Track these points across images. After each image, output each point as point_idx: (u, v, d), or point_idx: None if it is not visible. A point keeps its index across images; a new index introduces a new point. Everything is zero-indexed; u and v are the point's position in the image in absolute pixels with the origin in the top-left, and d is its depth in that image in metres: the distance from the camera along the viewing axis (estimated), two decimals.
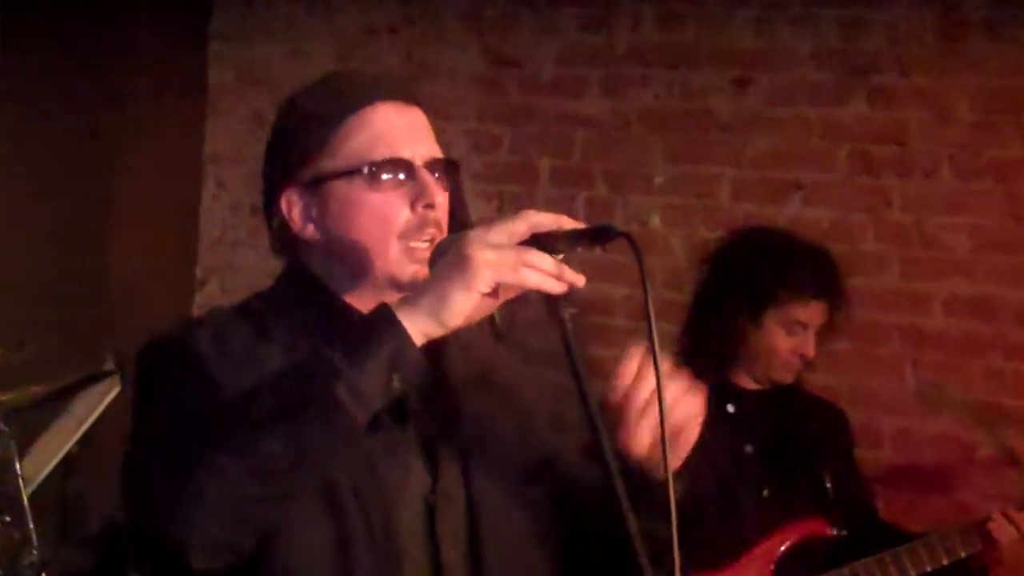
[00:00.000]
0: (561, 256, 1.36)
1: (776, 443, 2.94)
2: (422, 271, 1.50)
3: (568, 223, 1.37)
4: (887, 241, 3.87)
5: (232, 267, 4.64)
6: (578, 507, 1.52)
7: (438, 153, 1.57)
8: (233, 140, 4.64)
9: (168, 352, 1.51)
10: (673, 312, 2.96)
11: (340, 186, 1.53)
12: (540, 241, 1.36)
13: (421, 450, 1.48)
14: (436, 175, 1.56)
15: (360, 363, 1.34)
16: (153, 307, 4.31)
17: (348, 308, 1.55)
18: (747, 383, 2.97)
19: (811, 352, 2.89)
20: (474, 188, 4.24)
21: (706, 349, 2.92)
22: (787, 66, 4.08)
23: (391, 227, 1.52)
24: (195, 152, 4.68)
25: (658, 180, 4.21)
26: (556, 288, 1.35)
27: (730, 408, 2.94)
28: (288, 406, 1.33)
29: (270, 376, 1.37)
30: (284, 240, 1.59)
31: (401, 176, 1.53)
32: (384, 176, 1.52)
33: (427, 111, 1.60)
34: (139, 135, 4.38)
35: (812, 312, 2.87)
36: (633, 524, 1.30)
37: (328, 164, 1.55)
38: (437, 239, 1.51)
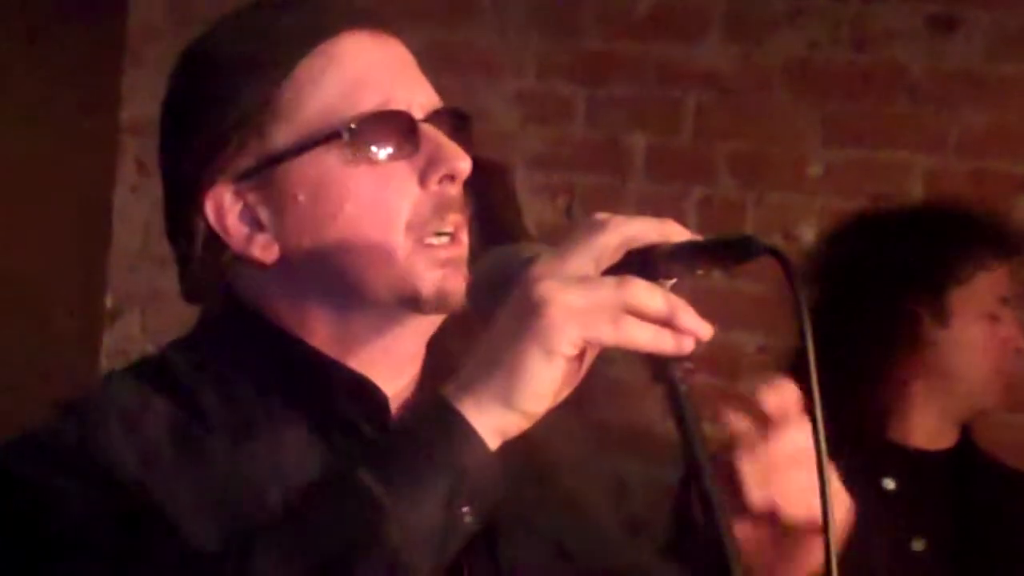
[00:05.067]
0: (671, 283, 1.35)
1: (959, 534, 2.89)
2: (452, 279, 1.49)
3: (678, 232, 1.36)
4: None
5: (159, 294, 4.47)
6: None
7: (438, 101, 1.56)
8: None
9: (65, 462, 1.45)
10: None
11: (305, 165, 1.50)
12: (639, 262, 1.34)
13: None
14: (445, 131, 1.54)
15: (416, 493, 1.32)
16: (40, 353, 4.25)
17: (334, 368, 1.53)
18: (917, 440, 2.92)
19: None
20: (531, 179, 4.14)
21: (854, 390, 2.88)
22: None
23: (395, 215, 1.49)
24: (106, 120, 4.63)
25: (814, 171, 4.15)
26: (673, 348, 1.33)
27: (889, 483, 2.88)
28: (313, 568, 1.32)
29: (270, 520, 1.37)
30: (211, 269, 1.55)
31: (402, 133, 1.50)
32: (374, 139, 1.49)
33: (408, 47, 1.59)
34: (17, 94, 4.36)
35: (1003, 280, 2.96)
36: None
37: (279, 136, 1.51)
38: (460, 229, 1.51)
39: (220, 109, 1.53)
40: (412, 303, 1.51)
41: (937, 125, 4.03)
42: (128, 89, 4.60)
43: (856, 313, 2.95)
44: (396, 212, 1.50)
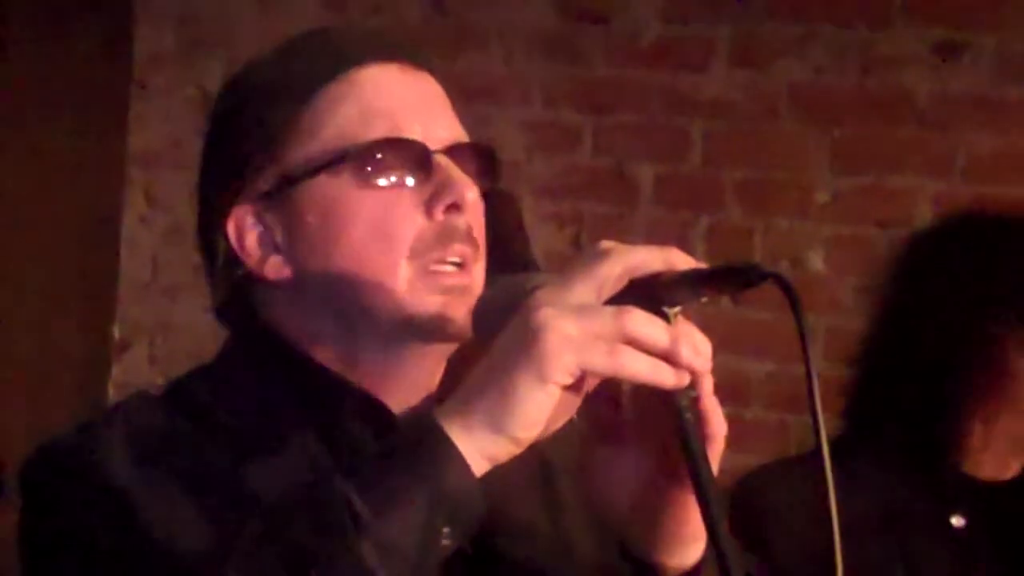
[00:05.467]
0: (677, 311, 1.34)
1: None
2: (452, 306, 1.49)
3: (682, 260, 1.36)
4: None
5: (168, 325, 4.58)
6: None
7: (462, 136, 1.56)
8: (170, 133, 4.56)
9: (69, 470, 1.48)
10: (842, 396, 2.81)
11: (317, 187, 1.52)
12: (642, 291, 1.34)
13: None
14: (462, 167, 1.54)
15: (394, 509, 1.31)
16: (48, 385, 4.28)
17: (344, 387, 1.54)
18: (985, 471, 2.74)
19: None
20: (538, 207, 4.18)
21: (927, 420, 2.72)
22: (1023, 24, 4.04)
23: (398, 241, 1.50)
24: (113, 151, 4.65)
25: (821, 197, 4.16)
26: (671, 381, 1.32)
27: (956, 521, 2.72)
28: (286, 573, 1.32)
29: (253, 525, 1.35)
30: (233, 287, 1.57)
31: (410, 162, 1.51)
32: (383, 165, 1.51)
33: (443, 83, 1.60)
34: (24, 123, 4.37)
35: None
36: None
37: (297, 158, 1.53)
38: (469, 260, 1.51)
39: (247, 131, 1.55)
40: (413, 329, 1.51)
41: (944, 150, 4.03)
42: (135, 119, 4.64)
43: (935, 337, 2.80)
44: (400, 238, 1.51)
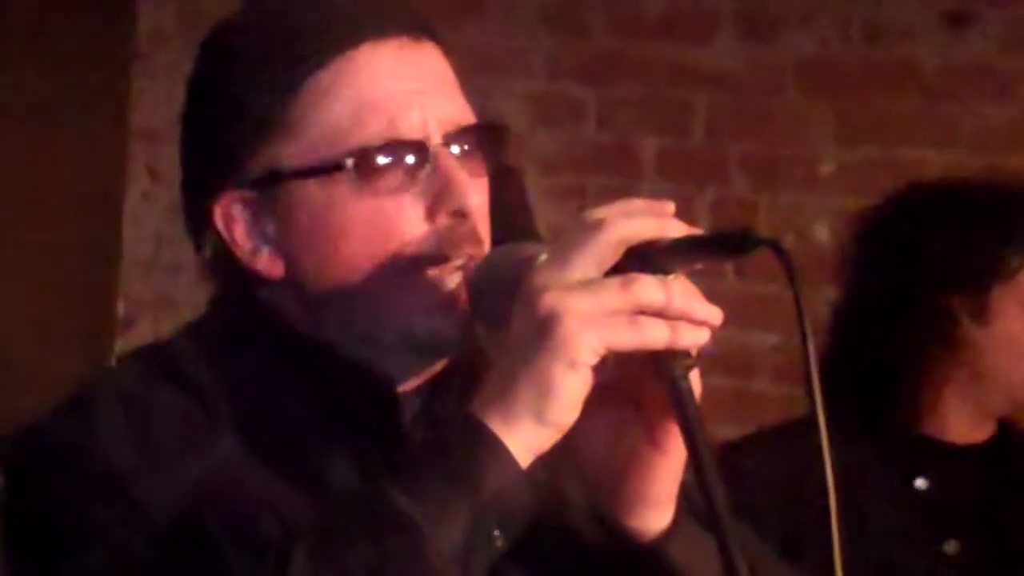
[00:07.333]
0: (672, 278, 1.33)
1: (996, 535, 2.80)
2: (452, 321, 1.46)
3: (676, 227, 1.34)
4: None
5: (171, 301, 4.53)
6: None
7: (468, 117, 1.50)
8: (173, 109, 4.25)
9: (65, 457, 1.44)
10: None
11: (308, 189, 1.47)
12: (638, 259, 1.33)
13: None
14: (466, 152, 1.49)
15: (450, 515, 1.31)
16: (51, 362, 4.16)
17: (345, 363, 1.49)
18: (952, 434, 2.81)
19: None
20: (542, 180, 4.18)
21: (886, 387, 2.81)
22: None
23: (398, 251, 1.46)
24: (116, 127, 4.61)
25: (826, 170, 4.19)
26: (692, 340, 1.32)
27: (920, 483, 2.79)
28: None
29: (301, 534, 1.34)
30: (224, 271, 1.54)
31: (409, 164, 1.46)
32: (380, 171, 1.46)
33: (446, 50, 1.54)
34: (26, 100, 4.34)
35: None
36: None
37: (286, 152, 1.48)
38: (473, 260, 1.47)
39: (230, 113, 1.51)
40: (411, 345, 1.49)
41: (951, 121, 4.05)
42: (137, 95, 4.63)
43: (889, 309, 2.87)
44: (399, 247, 1.48)
